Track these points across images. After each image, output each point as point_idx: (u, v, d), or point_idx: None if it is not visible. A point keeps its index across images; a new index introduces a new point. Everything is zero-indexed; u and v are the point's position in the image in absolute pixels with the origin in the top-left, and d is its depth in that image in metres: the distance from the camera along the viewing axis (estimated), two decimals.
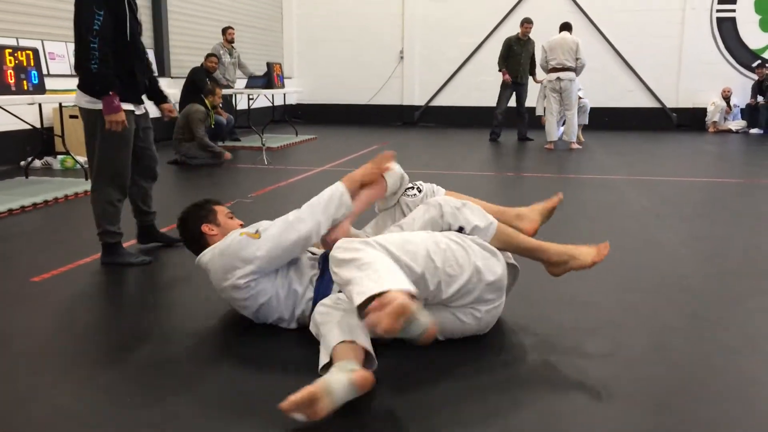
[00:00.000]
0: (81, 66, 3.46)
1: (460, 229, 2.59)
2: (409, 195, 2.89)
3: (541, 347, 2.59)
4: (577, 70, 9.47)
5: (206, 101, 8.24)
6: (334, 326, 2.27)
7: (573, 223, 4.79)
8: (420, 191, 2.90)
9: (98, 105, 3.46)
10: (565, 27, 9.62)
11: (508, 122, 10.50)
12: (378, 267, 2.16)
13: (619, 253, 3.95)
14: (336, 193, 2.64)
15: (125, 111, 3.50)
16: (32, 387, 2.25)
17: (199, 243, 2.84)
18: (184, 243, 2.96)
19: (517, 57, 10.30)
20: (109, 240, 3.68)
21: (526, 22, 10.29)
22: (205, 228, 2.85)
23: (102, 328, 2.85)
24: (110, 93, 3.41)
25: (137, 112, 3.71)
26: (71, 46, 8.44)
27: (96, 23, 3.33)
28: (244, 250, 2.55)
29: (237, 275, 2.57)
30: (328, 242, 2.61)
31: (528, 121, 10.46)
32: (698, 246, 4.27)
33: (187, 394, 2.19)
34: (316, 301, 2.57)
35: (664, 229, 4.63)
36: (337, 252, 2.28)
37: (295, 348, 2.55)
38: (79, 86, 3.55)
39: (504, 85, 10.40)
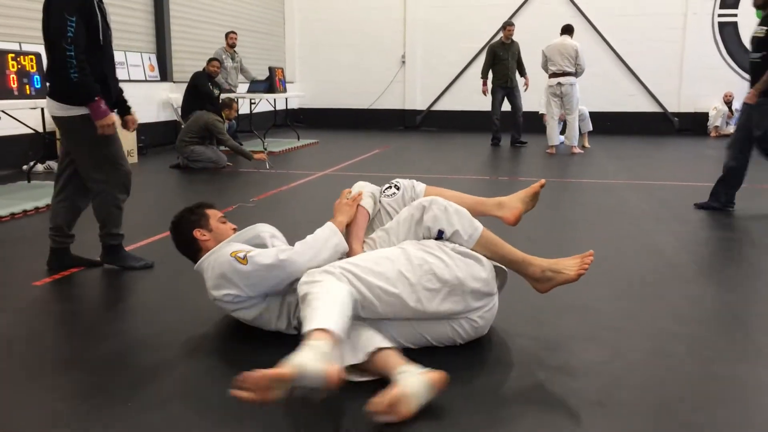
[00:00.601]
0: (57, 74, 3.34)
1: (440, 234, 2.53)
2: (387, 195, 2.87)
3: (539, 352, 2.59)
4: (577, 75, 9.49)
5: (222, 114, 8.26)
6: (371, 330, 2.31)
7: (573, 227, 4.80)
8: (398, 188, 2.87)
9: (74, 111, 3.39)
10: (566, 30, 9.63)
11: (504, 126, 10.53)
12: (315, 305, 2.17)
13: (619, 258, 3.96)
14: (332, 240, 2.58)
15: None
16: (31, 391, 2.25)
17: (192, 248, 2.84)
18: (177, 248, 2.94)
19: (504, 62, 10.32)
20: (113, 242, 3.68)
21: (509, 25, 10.37)
22: (197, 233, 2.82)
23: (103, 332, 2.85)
24: (95, 99, 3.35)
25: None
26: None
27: (69, 30, 3.24)
28: (230, 273, 2.55)
29: (222, 292, 2.58)
30: None
31: (522, 125, 10.46)
32: (698, 251, 4.27)
33: (187, 399, 2.20)
34: None
35: (665, 234, 4.63)
36: (301, 286, 2.33)
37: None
38: (50, 95, 3.44)
39: (494, 91, 10.41)
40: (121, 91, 3.81)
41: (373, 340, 2.27)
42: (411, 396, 2.02)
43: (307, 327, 2.08)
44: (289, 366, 1.89)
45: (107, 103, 3.52)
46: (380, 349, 2.23)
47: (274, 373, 1.85)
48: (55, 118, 3.50)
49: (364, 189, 2.87)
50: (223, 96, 9.01)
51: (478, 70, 10.82)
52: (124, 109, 3.84)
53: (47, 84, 3.49)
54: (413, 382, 2.05)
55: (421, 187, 2.89)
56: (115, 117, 3.45)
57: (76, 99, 3.37)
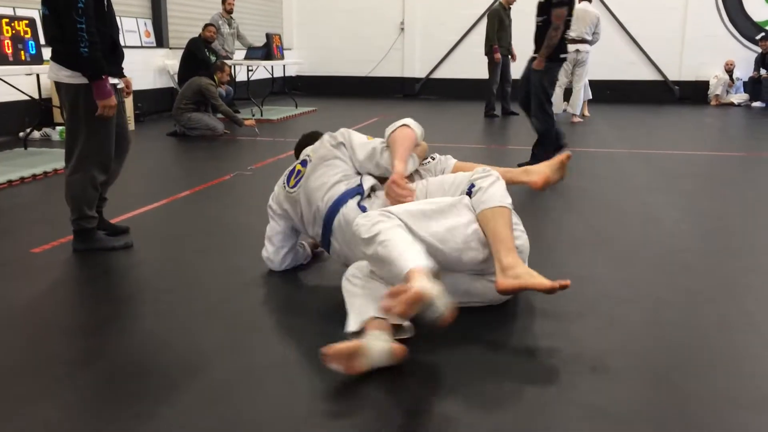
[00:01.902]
0: (67, 46, 3.20)
1: (470, 189, 2.60)
2: (424, 163, 3.07)
3: (536, 321, 2.61)
4: (592, 43, 9.39)
5: (215, 77, 8.19)
6: (369, 299, 2.36)
7: (572, 197, 4.79)
8: (433, 159, 3.09)
9: (80, 79, 3.26)
10: None
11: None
12: (397, 244, 2.26)
13: (617, 227, 3.96)
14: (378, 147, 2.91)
15: (111, 85, 3.33)
16: (32, 357, 2.27)
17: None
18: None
19: (507, 29, 10.11)
20: (87, 225, 3.45)
21: None
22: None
23: (101, 299, 2.86)
24: (102, 77, 3.24)
25: (119, 86, 3.52)
26: None
27: (80, 2, 3.11)
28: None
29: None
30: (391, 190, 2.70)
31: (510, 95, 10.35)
32: (697, 221, 4.27)
33: (188, 367, 2.21)
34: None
35: (664, 204, 4.63)
36: (361, 230, 2.39)
37: (285, 345, 2.56)
38: (55, 59, 3.32)
39: (495, 61, 10.20)
40: None
41: (367, 308, 2.32)
42: (368, 356, 2.09)
43: (406, 266, 2.16)
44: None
45: (117, 70, 3.45)
46: (374, 318, 2.26)
47: (416, 293, 2.01)
48: (58, 83, 3.37)
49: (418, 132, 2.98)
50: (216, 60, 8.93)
51: (478, 38, 10.69)
52: None
53: (51, 49, 3.35)
54: (376, 345, 2.12)
55: (451, 161, 3.07)
56: (114, 100, 3.33)
57: (83, 73, 3.24)
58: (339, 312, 2.65)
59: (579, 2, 9.37)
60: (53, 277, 3.11)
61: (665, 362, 2.28)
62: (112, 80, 3.38)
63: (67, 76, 3.29)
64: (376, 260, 2.35)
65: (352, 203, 2.74)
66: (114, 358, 2.28)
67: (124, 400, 2.00)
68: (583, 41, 9.29)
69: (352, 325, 2.29)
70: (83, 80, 3.26)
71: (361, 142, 2.96)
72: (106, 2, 3.37)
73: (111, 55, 3.37)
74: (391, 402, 2.02)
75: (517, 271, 2.38)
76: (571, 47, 9.27)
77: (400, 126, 2.89)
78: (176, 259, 3.43)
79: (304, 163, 2.99)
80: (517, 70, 10.41)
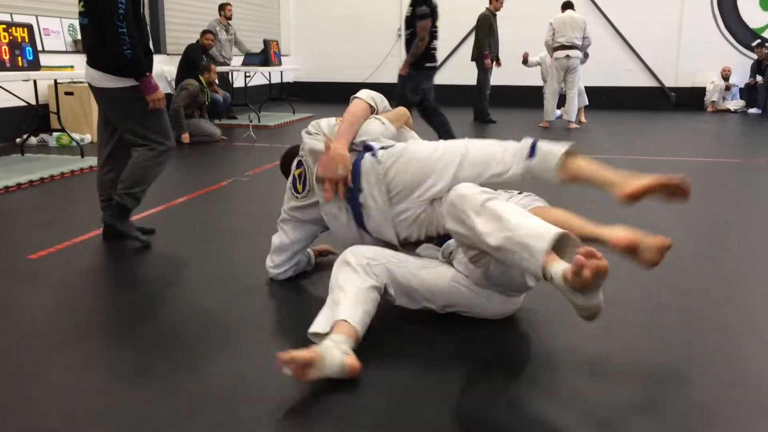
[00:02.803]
0: (110, 50, 3.39)
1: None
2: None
3: (534, 326, 2.61)
4: (582, 48, 9.43)
5: (201, 78, 8.19)
6: (348, 298, 2.28)
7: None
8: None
9: (125, 82, 3.46)
10: (569, 5, 9.58)
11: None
12: (529, 217, 2.11)
13: None
14: None
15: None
16: (28, 364, 2.26)
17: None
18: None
19: (496, 34, 10.19)
20: (131, 204, 3.63)
21: None
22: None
23: (98, 305, 2.86)
24: (147, 74, 3.46)
25: None
26: (66, 22, 8.38)
27: (121, 7, 3.33)
28: None
29: None
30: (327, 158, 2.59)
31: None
32: (694, 226, 4.28)
33: (186, 372, 2.21)
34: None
35: (660, 209, 4.62)
36: (474, 196, 2.19)
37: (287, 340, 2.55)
38: (96, 67, 3.49)
39: (486, 67, 10.23)
40: None
41: (344, 310, 2.24)
42: (323, 366, 2.02)
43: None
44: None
45: (150, 72, 3.59)
46: (343, 320, 2.20)
47: (606, 266, 1.83)
48: (102, 89, 3.53)
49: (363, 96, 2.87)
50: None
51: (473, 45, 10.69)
52: None
53: (90, 56, 3.53)
54: (333, 356, 2.05)
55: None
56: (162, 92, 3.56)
57: (129, 74, 3.45)
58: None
59: (563, 11, 9.50)
60: (50, 282, 3.10)
61: (663, 367, 2.28)
62: None
63: (112, 80, 3.47)
64: (501, 218, 2.09)
65: (368, 155, 2.59)
66: (111, 363, 2.27)
67: (119, 403, 1.99)
68: (573, 47, 9.35)
69: (319, 326, 2.22)
70: (129, 83, 3.46)
71: (330, 125, 2.88)
72: (141, 10, 3.56)
73: (145, 59, 3.55)
74: (386, 408, 2.01)
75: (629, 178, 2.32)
76: (560, 53, 9.36)
77: (352, 98, 2.82)
78: (174, 264, 3.42)
79: (299, 164, 2.93)
80: (499, 77, 10.57)
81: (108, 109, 3.62)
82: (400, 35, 13.89)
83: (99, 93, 3.58)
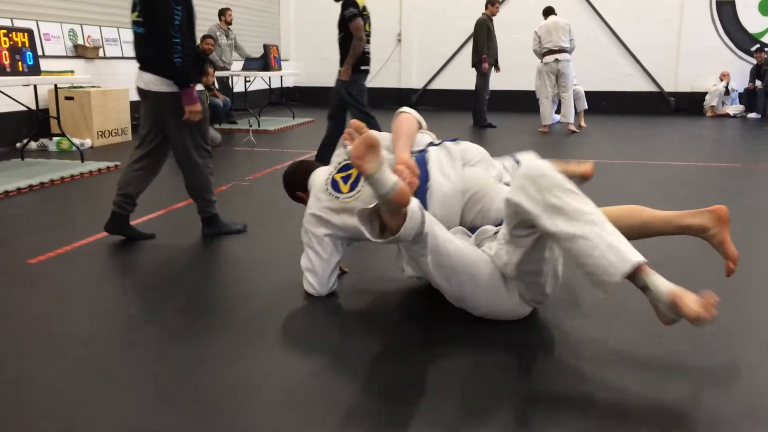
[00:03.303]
0: (163, 57, 3.54)
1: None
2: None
3: (533, 331, 2.60)
4: (569, 50, 9.51)
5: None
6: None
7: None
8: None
9: (170, 87, 3.60)
10: (551, 11, 9.72)
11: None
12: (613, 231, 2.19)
13: None
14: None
15: (198, 91, 3.69)
16: (27, 369, 2.26)
17: None
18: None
19: (494, 40, 10.24)
20: (213, 211, 3.88)
21: (498, 2, 10.26)
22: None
23: (97, 310, 2.86)
24: (191, 85, 3.59)
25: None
26: (66, 27, 8.40)
27: (177, 18, 3.49)
28: None
29: None
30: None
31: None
32: None
33: (185, 377, 2.21)
34: None
35: None
36: (556, 175, 2.27)
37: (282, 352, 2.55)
38: (152, 71, 3.64)
39: (483, 72, 10.26)
40: None
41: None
42: (380, 168, 2.20)
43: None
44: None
45: (199, 79, 3.78)
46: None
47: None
48: (156, 93, 3.65)
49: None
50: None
51: None
52: None
53: (145, 62, 3.69)
54: (389, 174, 2.23)
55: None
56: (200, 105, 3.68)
57: (175, 82, 3.60)
58: (344, 325, 2.66)
59: (546, 18, 9.58)
60: (49, 287, 3.10)
61: (664, 372, 2.28)
62: (199, 87, 3.73)
63: (168, 84, 3.62)
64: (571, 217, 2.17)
65: (432, 147, 2.84)
66: (110, 368, 2.27)
67: (118, 409, 1.99)
68: (561, 50, 9.44)
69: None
70: (172, 88, 3.60)
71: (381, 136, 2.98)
72: (194, 22, 3.72)
73: (194, 66, 3.71)
74: (390, 412, 2.01)
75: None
76: (549, 58, 9.43)
77: (398, 114, 2.93)
78: (173, 269, 3.42)
79: (346, 167, 2.86)
80: (498, 82, 10.60)
81: (157, 112, 3.73)
82: (399, 40, 13.94)
83: (150, 96, 3.70)
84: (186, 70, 3.58)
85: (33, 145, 7.18)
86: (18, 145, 6.99)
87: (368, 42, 6.17)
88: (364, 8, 6.09)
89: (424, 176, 2.70)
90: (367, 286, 3.08)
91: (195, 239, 3.92)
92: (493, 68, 10.28)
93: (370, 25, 6.19)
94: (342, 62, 6.08)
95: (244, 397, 2.06)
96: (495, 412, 2.00)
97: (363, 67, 6.14)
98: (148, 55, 3.67)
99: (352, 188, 2.79)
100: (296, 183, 3.13)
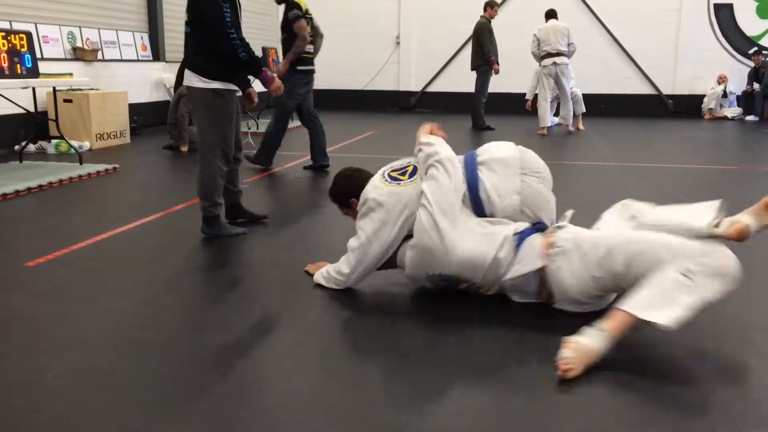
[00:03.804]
0: (221, 56, 3.72)
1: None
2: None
3: (532, 333, 2.60)
4: (569, 55, 9.58)
5: None
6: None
7: (566, 210, 4.80)
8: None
9: (211, 84, 3.74)
10: (553, 14, 9.78)
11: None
12: None
13: None
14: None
15: (231, 91, 3.81)
16: (25, 371, 2.26)
17: None
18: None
19: (494, 42, 10.29)
20: (215, 212, 3.89)
21: (497, 5, 10.31)
22: None
23: (95, 313, 2.85)
24: (263, 69, 3.79)
25: (238, 94, 3.94)
26: (65, 30, 8.40)
27: (227, 15, 3.63)
28: None
29: None
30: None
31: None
32: None
33: (180, 379, 2.20)
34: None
35: None
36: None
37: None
38: (193, 69, 3.79)
39: (487, 71, 10.29)
40: None
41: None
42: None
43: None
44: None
45: (237, 80, 3.87)
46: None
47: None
48: (191, 88, 3.84)
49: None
50: None
51: None
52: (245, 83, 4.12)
53: (190, 60, 3.85)
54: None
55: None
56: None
57: (251, 74, 3.84)
58: (342, 329, 2.66)
59: (546, 21, 9.64)
60: (47, 290, 3.10)
61: (661, 374, 2.28)
62: (232, 86, 3.82)
63: (202, 81, 3.76)
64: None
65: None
66: (107, 371, 2.27)
67: (114, 412, 1.99)
68: (559, 54, 9.54)
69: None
70: (213, 85, 3.75)
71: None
72: (240, 20, 3.83)
73: (234, 66, 3.81)
74: (388, 416, 2.01)
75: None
76: (548, 61, 9.51)
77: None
78: (172, 272, 3.42)
79: (412, 173, 3.02)
80: (496, 84, 10.63)
81: (193, 106, 3.99)
82: (398, 43, 13.95)
83: (189, 90, 3.90)
84: (253, 59, 3.77)
85: (31, 147, 7.18)
86: (16, 147, 6.98)
87: (311, 43, 6.33)
88: (307, 11, 6.29)
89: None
90: (369, 289, 3.08)
91: (193, 242, 3.92)
92: (494, 71, 10.31)
93: (312, 28, 6.40)
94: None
95: (242, 401, 2.06)
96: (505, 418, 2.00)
97: (300, 67, 6.30)
98: (187, 52, 3.88)
99: (410, 177, 2.97)
100: (352, 191, 3.11)
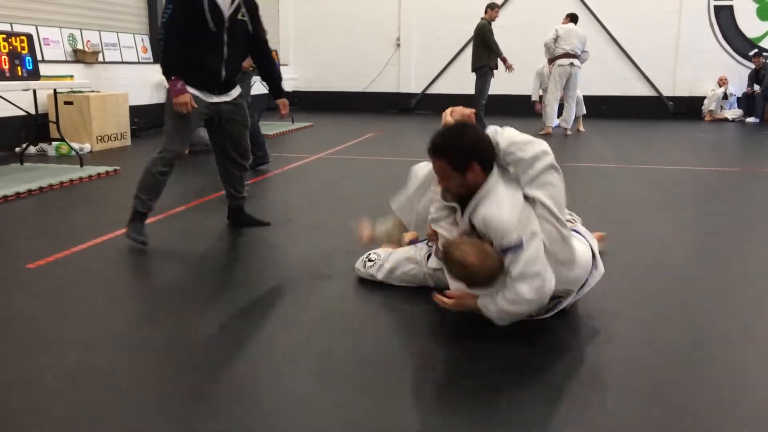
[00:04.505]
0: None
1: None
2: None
3: (531, 335, 2.60)
4: (582, 61, 9.71)
5: None
6: None
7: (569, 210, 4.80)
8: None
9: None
10: (574, 19, 9.89)
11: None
12: None
13: (614, 242, 3.97)
14: None
15: (192, 95, 3.68)
16: (26, 372, 2.26)
17: None
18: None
19: (495, 43, 10.27)
20: (138, 208, 3.78)
21: (498, 7, 10.30)
22: None
23: (95, 315, 2.85)
24: (172, 78, 3.64)
25: (208, 100, 3.80)
26: (66, 32, 8.41)
27: (165, 15, 3.58)
28: None
29: None
30: None
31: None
32: (692, 235, 4.29)
33: (180, 380, 2.20)
34: None
35: (659, 218, 4.64)
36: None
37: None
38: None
39: (487, 73, 10.26)
40: (274, 76, 4.31)
41: None
42: None
43: None
44: None
45: (203, 85, 3.75)
46: None
47: None
48: None
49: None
50: None
51: None
52: (276, 93, 4.27)
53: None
54: None
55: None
56: (190, 96, 3.66)
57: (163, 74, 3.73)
58: (341, 331, 2.66)
59: (566, 22, 9.66)
60: (47, 292, 3.10)
61: (662, 377, 2.28)
62: (194, 91, 3.70)
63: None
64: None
65: None
66: (107, 372, 2.27)
67: (114, 413, 1.99)
68: (575, 56, 9.62)
69: None
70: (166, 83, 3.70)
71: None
72: (212, 26, 3.63)
73: (175, 65, 3.66)
74: (388, 419, 2.01)
75: None
76: (565, 61, 9.53)
77: None
78: (171, 274, 3.42)
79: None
80: (494, 86, 10.61)
81: None
82: (398, 44, 13.95)
83: None
84: (164, 64, 3.67)
85: (32, 149, 7.17)
86: (17, 149, 6.99)
87: None
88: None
89: None
90: (368, 291, 3.08)
91: (193, 244, 3.92)
92: (494, 72, 10.30)
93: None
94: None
95: (241, 402, 2.06)
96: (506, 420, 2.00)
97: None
98: None
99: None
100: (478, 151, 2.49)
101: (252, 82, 6.65)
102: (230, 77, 3.89)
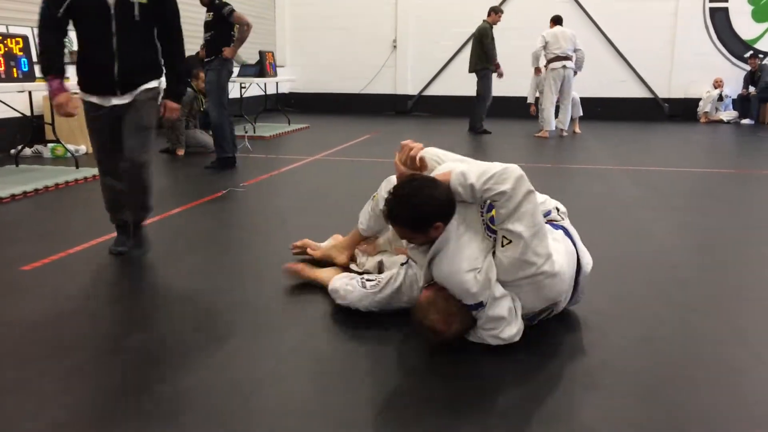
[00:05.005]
0: None
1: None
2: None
3: (529, 336, 2.60)
4: (578, 62, 9.72)
5: (194, 85, 8.19)
6: None
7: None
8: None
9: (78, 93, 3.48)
10: (558, 21, 9.87)
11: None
12: None
13: (609, 244, 3.98)
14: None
15: (87, 102, 3.45)
16: (20, 376, 2.25)
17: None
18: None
19: (494, 46, 10.31)
20: (112, 222, 3.72)
21: (501, 11, 10.32)
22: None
23: (90, 317, 2.85)
24: (48, 77, 3.29)
25: (107, 104, 3.45)
26: None
27: (40, 11, 3.23)
28: None
29: None
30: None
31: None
32: (688, 236, 4.29)
33: (176, 383, 2.20)
34: None
35: (655, 219, 4.65)
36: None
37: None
38: None
39: (488, 75, 10.28)
40: (172, 72, 3.57)
41: None
42: None
43: None
44: None
45: (95, 88, 3.43)
46: None
47: None
48: None
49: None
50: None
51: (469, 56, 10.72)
52: (167, 90, 3.62)
53: None
54: None
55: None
56: (69, 97, 3.32)
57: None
58: (339, 334, 2.66)
59: (553, 26, 9.73)
60: (42, 294, 3.09)
61: (658, 378, 2.28)
62: (91, 98, 3.46)
63: None
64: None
65: None
66: (101, 375, 2.26)
67: (107, 416, 1.98)
68: (567, 57, 9.64)
69: None
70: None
71: None
72: (94, 17, 3.25)
73: (55, 64, 3.31)
74: (385, 421, 2.01)
75: None
76: (557, 64, 9.57)
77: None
78: (167, 276, 3.42)
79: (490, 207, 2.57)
80: (493, 88, 10.66)
81: None
82: (395, 46, 13.96)
83: None
84: (40, 62, 3.32)
85: (27, 151, 7.16)
86: (12, 151, 6.97)
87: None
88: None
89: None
90: None
91: (189, 246, 3.92)
92: (495, 74, 10.32)
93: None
94: (208, 56, 6.61)
95: (236, 405, 2.06)
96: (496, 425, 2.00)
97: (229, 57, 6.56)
98: None
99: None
100: (437, 211, 2.38)
101: (230, 68, 6.76)
102: (129, 72, 3.35)
